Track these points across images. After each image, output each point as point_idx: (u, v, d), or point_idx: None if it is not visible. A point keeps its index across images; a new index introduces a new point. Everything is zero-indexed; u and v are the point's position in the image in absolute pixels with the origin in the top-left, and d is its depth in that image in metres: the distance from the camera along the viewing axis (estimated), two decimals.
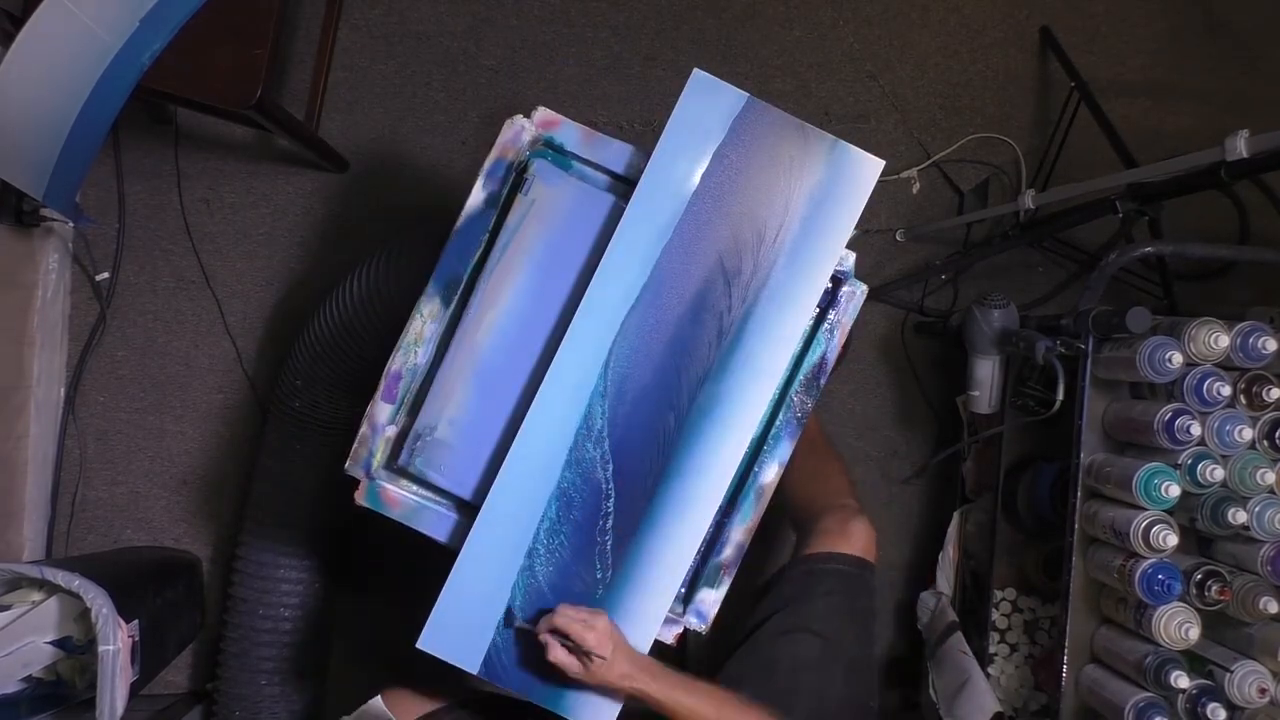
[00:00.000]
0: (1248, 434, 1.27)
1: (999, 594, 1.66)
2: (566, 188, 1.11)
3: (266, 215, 1.84)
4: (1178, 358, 1.26)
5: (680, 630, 1.13)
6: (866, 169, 1.10)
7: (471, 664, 1.07)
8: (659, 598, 1.10)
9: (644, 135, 1.89)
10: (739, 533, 1.13)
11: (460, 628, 1.07)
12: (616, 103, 1.90)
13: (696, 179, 1.09)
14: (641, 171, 1.09)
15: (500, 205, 1.13)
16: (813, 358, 1.14)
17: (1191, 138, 1.31)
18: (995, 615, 1.65)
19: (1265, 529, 1.28)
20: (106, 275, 1.80)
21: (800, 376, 1.14)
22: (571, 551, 1.09)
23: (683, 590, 1.14)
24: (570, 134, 1.13)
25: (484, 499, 1.08)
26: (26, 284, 1.72)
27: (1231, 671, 1.29)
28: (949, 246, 1.93)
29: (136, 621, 1.36)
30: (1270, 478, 1.29)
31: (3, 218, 1.62)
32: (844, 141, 1.10)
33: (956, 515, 1.75)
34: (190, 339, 1.83)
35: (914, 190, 1.96)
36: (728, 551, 1.13)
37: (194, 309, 1.82)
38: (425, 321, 1.11)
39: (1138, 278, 1.78)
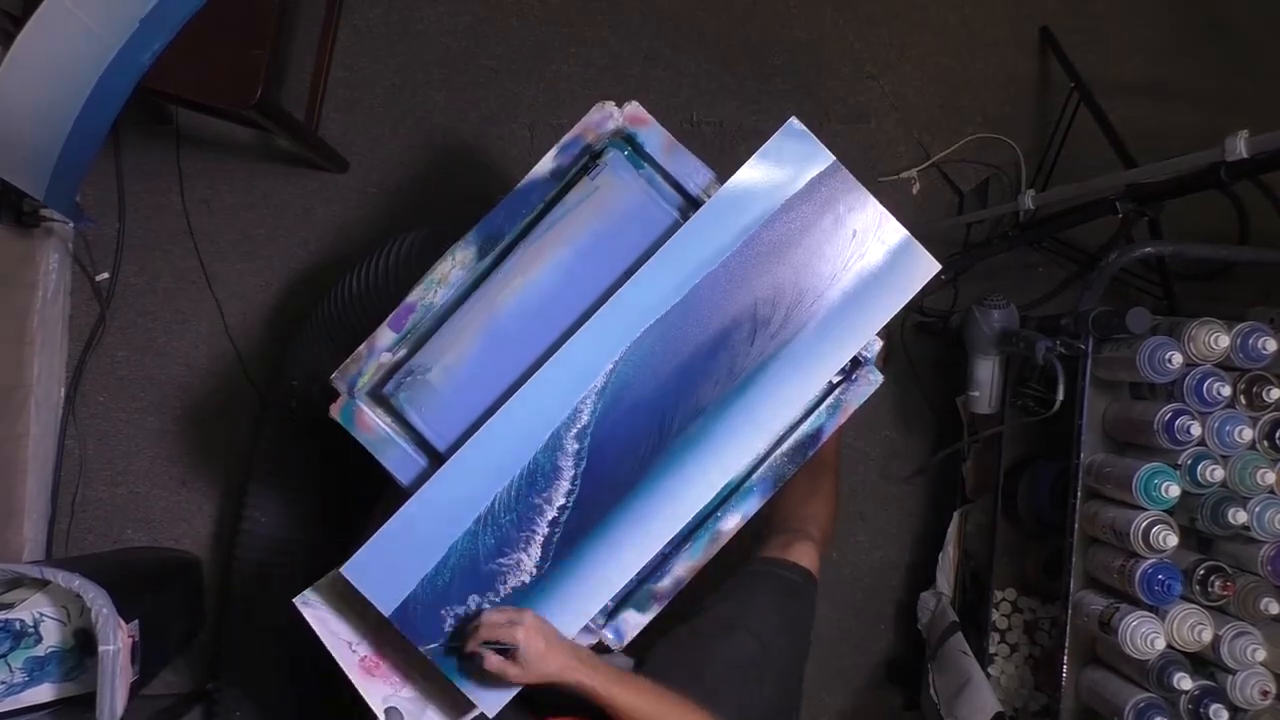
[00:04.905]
0: (1248, 434, 1.27)
1: (999, 594, 1.66)
2: (632, 186, 1.12)
3: (267, 215, 1.84)
4: (1178, 358, 1.26)
5: (595, 641, 1.13)
6: (921, 268, 1.11)
7: (387, 606, 1.06)
8: (585, 604, 1.10)
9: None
10: (682, 568, 1.14)
11: (389, 568, 1.06)
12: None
13: (759, 221, 1.10)
14: (709, 196, 1.10)
15: (564, 182, 1.13)
16: (808, 428, 1.14)
17: (1191, 138, 1.31)
18: (995, 615, 1.65)
19: (1265, 529, 1.28)
20: (106, 275, 1.80)
21: (790, 441, 1.14)
22: (518, 532, 1.09)
23: (610, 605, 1.14)
24: (654, 138, 1.14)
25: (454, 452, 1.09)
26: (26, 284, 1.72)
27: (1234, 673, 1.29)
28: (949, 247, 1.93)
29: (136, 621, 1.36)
30: (1270, 478, 1.29)
31: (3, 218, 1.62)
32: (914, 239, 1.11)
33: (956, 515, 1.75)
34: (190, 339, 1.83)
35: (914, 190, 1.96)
36: (666, 581, 1.14)
37: (194, 309, 1.82)
38: (454, 266, 1.12)
39: (1138, 278, 1.78)
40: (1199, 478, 1.28)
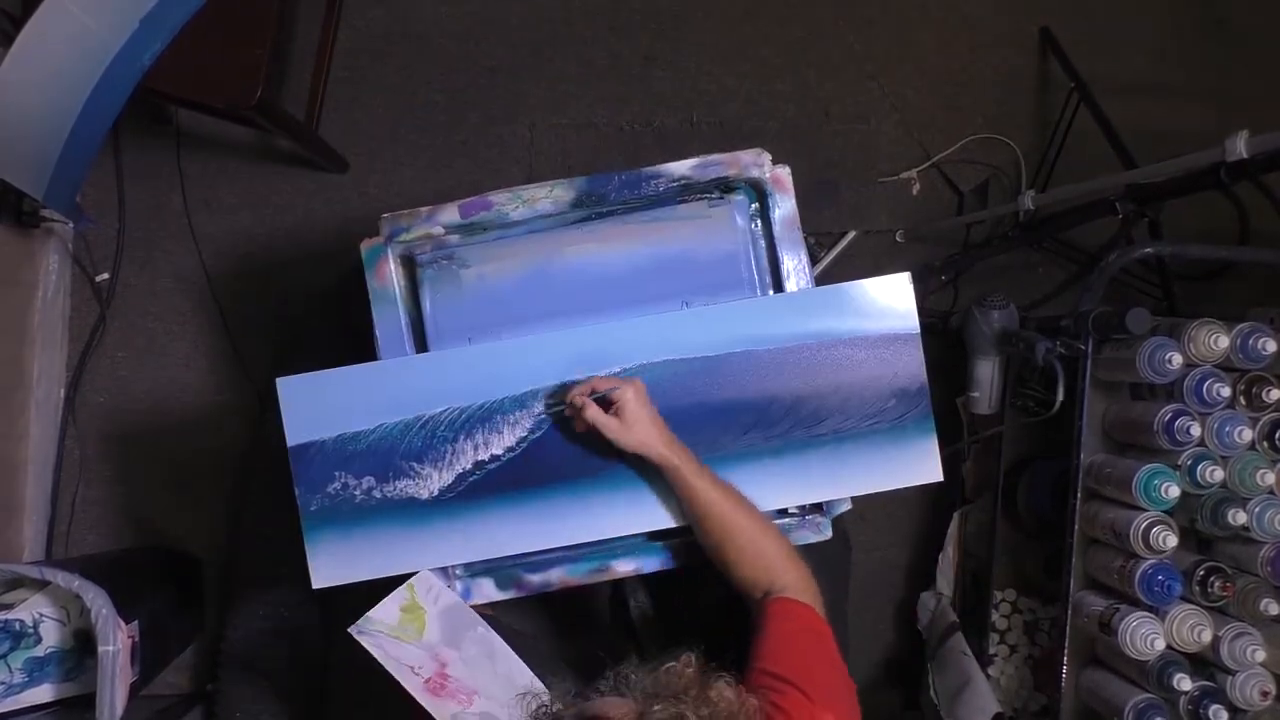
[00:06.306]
0: (1247, 435, 1.27)
1: (999, 595, 1.66)
2: (738, 234, 1.14)
3: (267, 216, 1.84)
4: (1177, 359, 1.26)
5: (448, 585, 1.13)
6: (925, 470, 1.12)
7: (294, 436, 1.09)
8: (459, 549, 1.11)
9: (643, 136, 1.89)
10: (559, 576, 1.14)
11: (318, 405, 1.09)
12: (616, 103, 1.90)
13: (821, 337, 1.11)
14: (795, 285, 1.15)
15: (686, 192, 1.16)
16: None
17: (1191, 138, 1.31)
18: (995, 616, 1.65)
19: (1265, 530, 1.28)
20: (106, 276, 1.80)
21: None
22: (446, 452, 1.10)
23: (478, 565, 1.15)
24: (784, 207, 1.15)
25: (437, 349, 1.12)
26: (26, 284, 1.72)
27: (1234, 674, 1.29)
28: (949, 247, 1.93)
29: (136, 622, 1.36)
30: (1270, 478, 1.29)
31: (3, 218, 1.62)
32: (936, 443, 1.12)
33: (956, 516, 1.75)
34: (190, 339, 1.83)
35: (914, 191, 1.96)
36: (537, 577, 1.14)
37: (194, 309, 1.82)
38: (547, 197, 1.13)
39: (1138, 278, 1.78)
40: (1199, 478, 1.28)
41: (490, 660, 1.06)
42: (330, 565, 1.10)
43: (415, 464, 1.09)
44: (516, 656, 1.06)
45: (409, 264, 1.14)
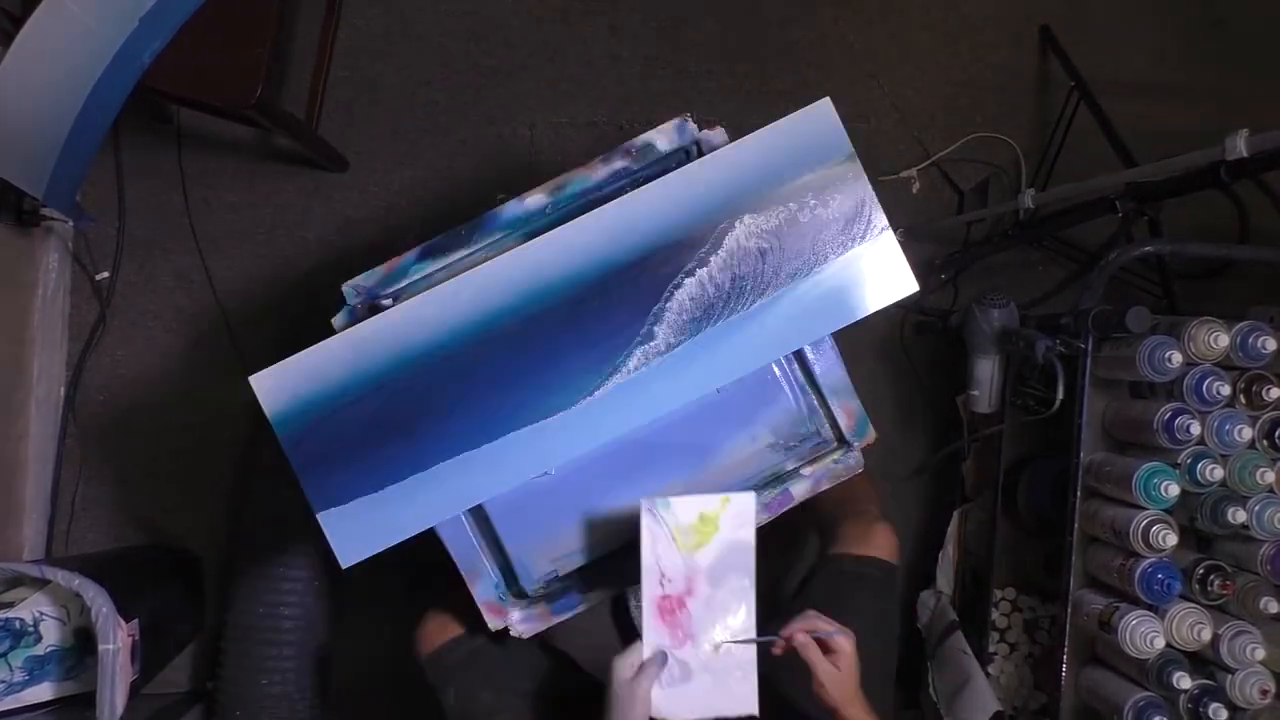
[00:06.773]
0: (1247, 433, 1.27)
1: (999, 593, 1.66)
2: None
3: (267, 215, 1.84)
4: (1177, 357, 1.26)
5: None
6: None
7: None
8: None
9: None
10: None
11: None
12: (616, 103, 1.90)
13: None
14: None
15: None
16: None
17: (1191, 137, 1.31)
18: (995, 614, 1.65)
19: (1265, 528, 1.28)
20: (106, 275, 1.80)
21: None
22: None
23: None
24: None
25: None
26: (26, 283, 1.72)
27: (1234, 672, 1.29)
28: (949, 245, 1.93)
29: (136, 620, 1.36)
30: (1270, 477, 1.29)
31: (3, 217, 1.62)
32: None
33: (956, 514, 1.75)
34: (190, 338, 1.83)
35: (914, 190, 1.96)
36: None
37: (194, 308, 1.83)
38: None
39: (1137, 277, 1.78)
40: (1198, 477, 1.28)
41: (726, 614, 1.01)
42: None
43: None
44: (753, 619, 1.00)
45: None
